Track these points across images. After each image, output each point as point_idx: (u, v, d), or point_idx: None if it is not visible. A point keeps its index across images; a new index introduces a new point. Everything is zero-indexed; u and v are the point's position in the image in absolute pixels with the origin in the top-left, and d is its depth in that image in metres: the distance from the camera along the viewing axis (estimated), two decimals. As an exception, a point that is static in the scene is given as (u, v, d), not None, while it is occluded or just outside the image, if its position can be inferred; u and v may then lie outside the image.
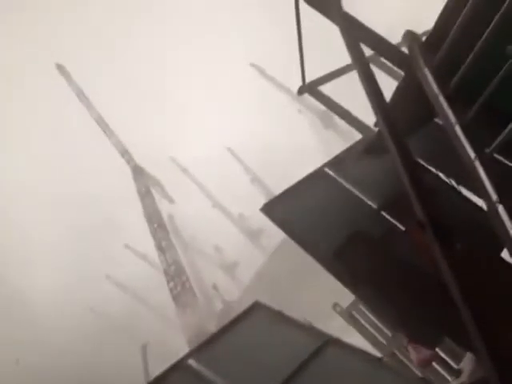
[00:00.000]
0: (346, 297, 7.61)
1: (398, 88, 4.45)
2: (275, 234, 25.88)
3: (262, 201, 6.16)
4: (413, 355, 6.61)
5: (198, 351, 5.52)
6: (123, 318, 33.18)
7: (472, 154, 3.46)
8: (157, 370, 5.46)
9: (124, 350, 29.54)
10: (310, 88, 5.51)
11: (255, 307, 6.12)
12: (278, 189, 6.22)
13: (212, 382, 5.01)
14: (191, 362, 5.36)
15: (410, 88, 4.16)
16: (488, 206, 3.39)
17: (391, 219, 5.35)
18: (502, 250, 4.17)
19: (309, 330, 5.62)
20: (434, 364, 7.06)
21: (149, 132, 39.74)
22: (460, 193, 5.70)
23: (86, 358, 29.59)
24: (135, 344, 28.27)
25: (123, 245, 38.95)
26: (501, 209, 3.28)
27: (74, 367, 28.75)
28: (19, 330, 31.84)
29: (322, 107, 5.55)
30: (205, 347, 5.58)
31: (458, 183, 5.78)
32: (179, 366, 5.36)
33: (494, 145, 3.70)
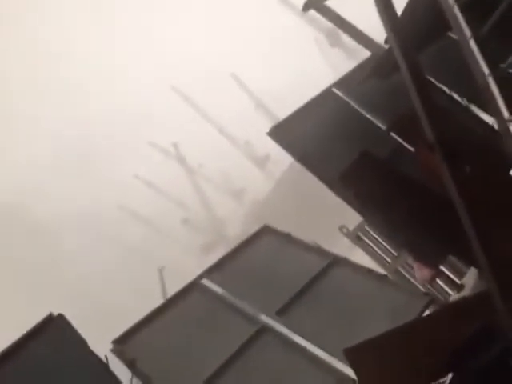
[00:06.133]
0: (353, 219, 7.76)
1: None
2: (282, 160, 25.83)
3: (268, 126, 6.04)
4: (417, 273, 6.85)
5: (210, 272, 5.75)
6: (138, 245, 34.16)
7: (486, 70, 3.33)
8: (174, 291, 5.71)
9: (141, 274, 30.76)
10: (316, 3, 5.19)
11: (264, 230, 6.26)
12: (284, 113, 6.08)
13: (225, 300, 5.28)
14: (205, 281, 5.62)
15: (424, -1, 3.92)
16: (499, 124, 3.32)
17: (400, 140, 5.29)
18: (511, 169, 4.15)
19: (316, 250, 5.78)
20: (437, 280, 7.33)
21: (150, 60, 37.90)
22: (471, 112, 5.57)
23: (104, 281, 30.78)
24: (152, 268, 29.42)
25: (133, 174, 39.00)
26: (512, 127, 3.22)
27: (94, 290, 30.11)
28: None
29: (329, 24, 5.26)
30: (217, 268, 5.80)
31: (470, 102, 5.63)
32: (194, 286, 5.62)
33: (509, 60, 3.55)
